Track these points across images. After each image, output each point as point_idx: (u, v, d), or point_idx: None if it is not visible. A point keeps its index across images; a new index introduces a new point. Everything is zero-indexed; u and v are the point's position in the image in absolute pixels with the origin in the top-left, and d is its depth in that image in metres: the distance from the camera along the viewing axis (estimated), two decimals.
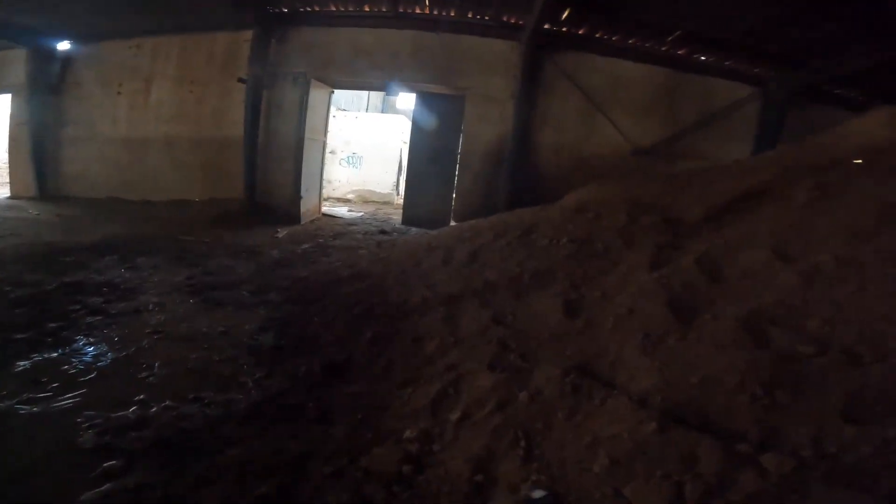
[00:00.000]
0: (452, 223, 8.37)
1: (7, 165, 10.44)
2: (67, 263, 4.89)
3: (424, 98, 8.18)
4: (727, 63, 7.86)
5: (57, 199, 9.31)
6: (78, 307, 3.72)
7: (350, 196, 12.38)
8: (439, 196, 8.48)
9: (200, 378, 2.83)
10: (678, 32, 7.09)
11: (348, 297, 4.07)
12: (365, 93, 16.82)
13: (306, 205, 8.08)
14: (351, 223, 8.33)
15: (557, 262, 3.38)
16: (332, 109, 12.04)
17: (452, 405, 2.15)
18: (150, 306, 3.91)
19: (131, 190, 9.06)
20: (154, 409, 2.47)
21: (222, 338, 3.42)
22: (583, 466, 1.60)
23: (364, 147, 12.20)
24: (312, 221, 8.26)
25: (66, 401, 2.46)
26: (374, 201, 12.22)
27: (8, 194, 9.78)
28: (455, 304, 3.27)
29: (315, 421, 2.37)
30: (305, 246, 6.38)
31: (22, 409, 2.35)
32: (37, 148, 9.22)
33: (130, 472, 1.91)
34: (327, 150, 11.97)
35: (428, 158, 8.35)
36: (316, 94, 7.60)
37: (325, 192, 12.16)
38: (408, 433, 2.00)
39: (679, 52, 7.78)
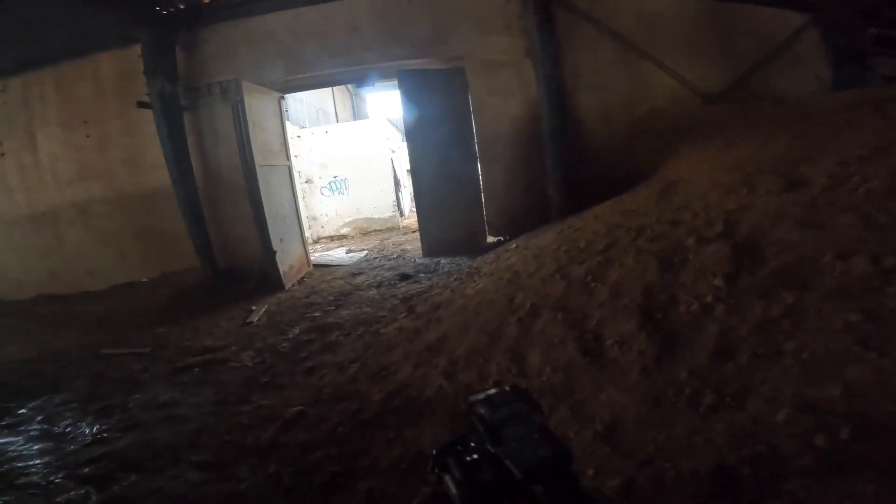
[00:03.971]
0: (490, 239, 6.15)
1: None
2: None
3: (410, 81, 5.94)
4: None
5: None
6: None
7: (345, 231, 10.03)
8: (464, 207, 6.22)
9: None
10: None
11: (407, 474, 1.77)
12: (329, 101, 14.51)
13: (287, 259, 5.78)
14: (355, 272, 6.00)
15: None
16: (293, 128, 9.82)
17: None
18: None
19: (61, 281, 6.95)
20: None
21: None
22: None
23: (346, 167, 9.82)
24: (301, 281, 5.95)
25: None
26: (375, 230, 9.89)
27: None
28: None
29: None
30: (295, 332, 4.09)
31: None
32: None
33: None
34: (301, 179, 9.74)
35: (437, 160, 6.10)
36: (258, 103, 5.37)
37: (313, 232, 9.93)
38: None
39: None
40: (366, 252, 7.26)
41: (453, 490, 0.68)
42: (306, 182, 9.79)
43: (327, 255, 7.55)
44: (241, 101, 4.72)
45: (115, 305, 6.05)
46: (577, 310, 2.14)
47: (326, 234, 10.01)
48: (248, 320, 4.56)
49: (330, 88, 14.32)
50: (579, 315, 2.08)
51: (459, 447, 0.74)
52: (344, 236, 9.90)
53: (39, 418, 3.14)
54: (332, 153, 9.73)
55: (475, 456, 0.70)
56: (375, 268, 6.02)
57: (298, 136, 9.54)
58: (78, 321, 5.76)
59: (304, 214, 9.82)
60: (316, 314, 4.41)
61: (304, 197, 9.78)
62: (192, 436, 2.75)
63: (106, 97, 5.79)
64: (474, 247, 6.01)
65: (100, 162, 6.18)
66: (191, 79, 5.61)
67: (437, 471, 0.73)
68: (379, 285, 5.00)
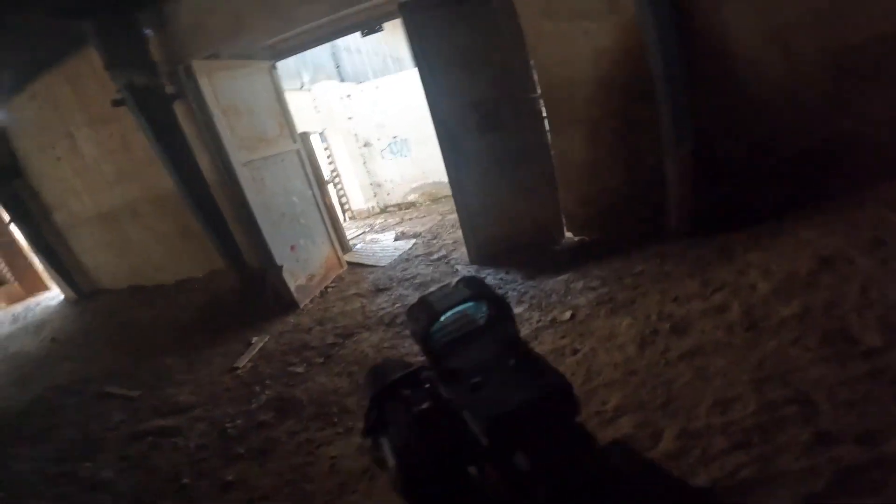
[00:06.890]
0: (569, 235, 4.44)
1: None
2: None
3: (420, 18, 4.17)
4: None
5: (94, 297, 7.82)
6: None
7: (412, 197, 8.89)
8: (526, 190, 4.56)
9: None
10: None
11: None
12: (402, 45, 12.61)
13: (305, 269, 4.94)
14: (383, 284, 4.90)
15: None
16: (345, 86, 8.58)
17: None
18: None
19: (140, 275, 7.27)
20: None
21: None
22: None
23: (404, 125, 8.39)
24: (324, 293, 5.12)
25: None
26: (446, 196, 8.55)
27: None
28: None
29: None
30: (261, 401, 3.40)
31: None
32: (38, 242, 7.72)
33: None
34: (358, 142, 8.68)
35: (475, 123, 4.43)
36: (232, 82, 4.25)
37: (379, 200, 9.03)
38: None
39: None
40: (414, 242, 6.09)
41: (390, 462, 0.44)
42: (364, 145, 8.76)
43: (376, 242, 6.56)
44: (196, 88, 3.67)
45: (160, 314, 5.97)
46: None
47: (394, 201, 9.01)
48: (235, 364, 3.86)
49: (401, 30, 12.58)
50: None
51: (409, 389, 0.50)
52: (412, 204, 8.80)
53: (12, 479, 3.15)
54: (388, 110, 8.39)
55: (427, 404, 0.46)
56: (407, 279, 4.85)
57: (349, 96, 8.38)
58: (128, 331, 5.84)
59: (367, 181, 8.92)
60: (298, 370, 3.54)
61: (364, 162, 8.82)
62: None
63: (110, 92, 5.21)
64: (545, 249, 4.43)
65: (130, 162, 5.88)
66: (173, 62, 4.70)
67: (373, 432, 0.50)
68: (391, 323, 3.89)
